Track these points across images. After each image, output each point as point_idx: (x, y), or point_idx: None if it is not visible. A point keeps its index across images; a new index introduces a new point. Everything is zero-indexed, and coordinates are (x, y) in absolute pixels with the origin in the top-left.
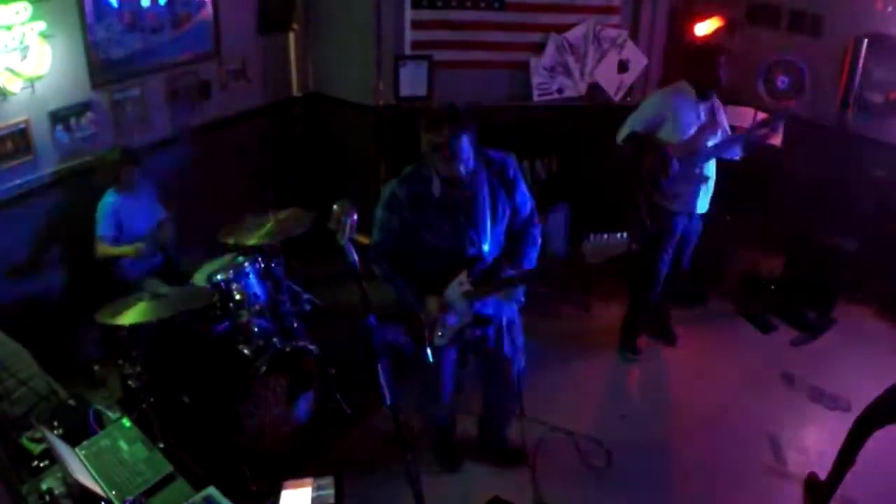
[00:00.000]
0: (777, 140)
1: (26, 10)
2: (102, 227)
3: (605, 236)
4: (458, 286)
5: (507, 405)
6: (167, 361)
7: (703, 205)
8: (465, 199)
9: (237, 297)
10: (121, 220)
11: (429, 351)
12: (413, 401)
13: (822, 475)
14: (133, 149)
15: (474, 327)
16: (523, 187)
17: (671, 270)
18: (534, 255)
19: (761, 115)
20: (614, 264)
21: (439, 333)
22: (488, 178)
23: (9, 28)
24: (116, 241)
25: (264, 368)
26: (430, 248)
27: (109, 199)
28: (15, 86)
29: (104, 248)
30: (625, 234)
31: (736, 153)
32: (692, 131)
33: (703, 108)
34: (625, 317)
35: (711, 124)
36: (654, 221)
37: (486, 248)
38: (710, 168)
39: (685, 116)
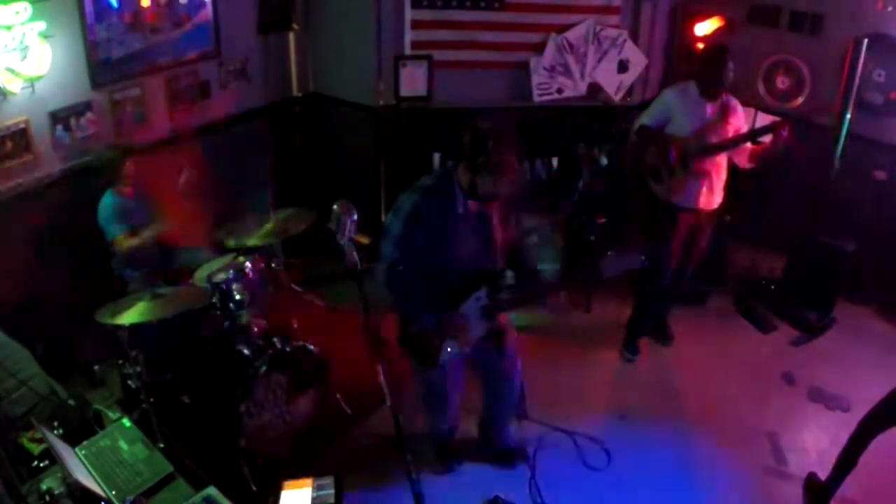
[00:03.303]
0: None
1: (26, 10)
2: (113, 227)
3: (622, 254)
4: (476, 301)
5: (508, 407)
6: (167, 361)
7: (707, 201)
8: (482, 215)
9: (237, 297)
10: (128, 216)
11: (438, 368)
12: (413, 401)
13: (822, 475)
14: (126, 146)
15: (486, 341)
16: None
17: (679, 269)
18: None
19: (765, 118)
20: None
21: (448, 349)
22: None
23: (9, 28)
24: (133, 232)
25: (264, 368)
26: (450, 264)
27: (110, 200)
28: (15, 86)
29: (125, 243)
30: (639, 252)
31: (744, 162)
32: (693, 128)
33: (710, 107)
34: (630, 315)
35: (717, 124)
36: (658, 215)
37: (499, 263)
38: (717, 166)
39: (688, 114)
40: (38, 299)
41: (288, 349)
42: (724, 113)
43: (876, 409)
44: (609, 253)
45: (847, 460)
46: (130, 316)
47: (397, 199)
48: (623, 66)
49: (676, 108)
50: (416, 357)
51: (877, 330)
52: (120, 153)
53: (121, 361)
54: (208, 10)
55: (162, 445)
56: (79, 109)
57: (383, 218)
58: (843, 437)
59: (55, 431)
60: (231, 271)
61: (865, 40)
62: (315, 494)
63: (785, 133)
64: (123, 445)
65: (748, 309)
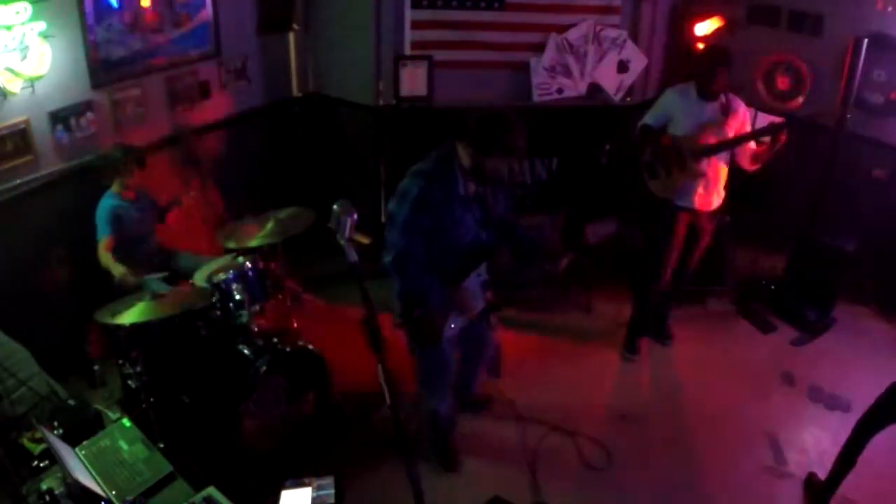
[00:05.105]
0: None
1: (26, 10)
2: (102, 230)
3: (601, 223)
4: (477, 277)
5: (484, 365)
6: (167, 361)
7: (706, 202)
8: (480, 195)
9: (237, 297)
10: (121, 221)
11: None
12: (413, 401)
13: (822, 475)
14: (136, 147)
15: (484, 314)
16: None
17: (678, 269)
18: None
19: (765, 117)
20: (616, 264)
21: (451, 325)
22: None
23: (9, 28)
24: (117, 242)
25: (264, 368)
26: (454, 243)
27: (108, 202)
28: (15, 86)
29: (104, 255)
30: (613, 220)
31: (748, 164)
32: (693, 128)
33: (710, 108)
34: (631, 315)
35: (718, 124)
36: (657, 214)
37: (494, 240)
38: (716, 166)
39: (688, 114)
40: (38, 299)
41: (288, 349)
42: (726, 113)
43: (873, 407)
44: (593, 223)
45: (846, 459)
46: (130, 316)
47: (399, 187)
48: (623, 66)
49: (676, 108)
50: (418, 338)
51: (877, 330)
52: (129, 157)
53: (121, 361)
54: (208, 10)
55: (162, 445)
56: (79, 109)
57: (383, 218)
58: (843, 437)
59: (55, 431)
60: (231, 271)
61: (865, 40)
62: (315, 494)
63: (783, 134)
64: (123, 445)
65: (748, 309)
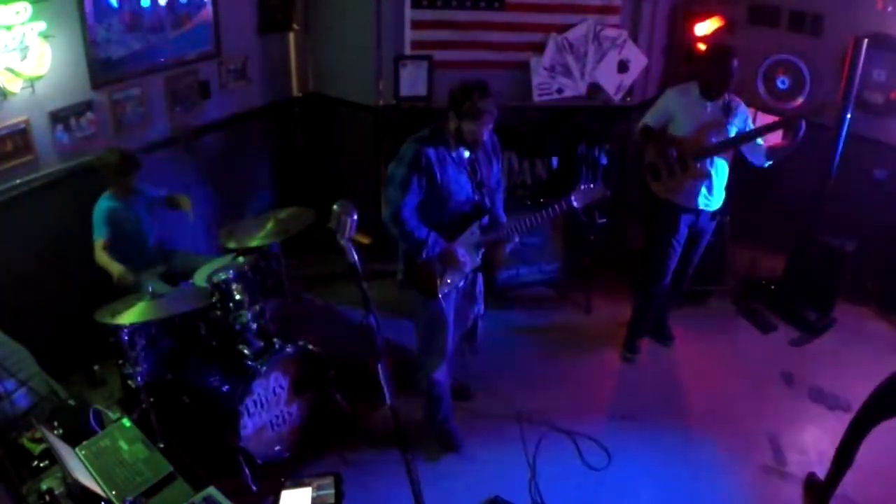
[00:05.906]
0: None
1: (26, 10)
2: (98, 231)
3: (590, 185)
4: (470, 235)
5: (466, 340)
6: (167, 361)
7: (707, 202)
8: (473, 159)
9: (237, 297)
10: (117, 222)
11: (440, 298)
12: (413, 400)
13: (822, 475)
14: (132, 152)
15: (476, 272)
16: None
17: (679, 269)
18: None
19: (765, 118)
20: (616, 264)
21: (448, 281)
22: (484, 146)
23: (9, 28)
24: (114, 243)
25: (264, 368)
26: (447, 203)
27: (105, 204)
28: (15, 86)
29: (100, 255)
30: (601, 184)
31: (761, 160)
32: (693, 128)
33: (711, 107)
34: (631, 316)
35: (719, 124)
36: (658, 214)
37: (488, 201)
38: (717, 166)
39: (688, 114)
40: (38, 299)
41: (288, 349)
42: (727, 113)
43: (866, 404)
44: (582, 186)
45: (843, 458)
46: (130, 316)
47: (399, 151)
48: (623, 66)
49: (677, 108)
50: (420, 289)
51: (877, 330)
52: (117, 161)
53: (121, 361)
54: (208, 10)
55: (162, 445)
56: (79, 109)
57: (383, 216)
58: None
59: (55, 431)
60: (231, 271)
61: (865, 40)
62: (315, 494)
63: (802, 129)
64: (123, 445)
65: (748, 309)
